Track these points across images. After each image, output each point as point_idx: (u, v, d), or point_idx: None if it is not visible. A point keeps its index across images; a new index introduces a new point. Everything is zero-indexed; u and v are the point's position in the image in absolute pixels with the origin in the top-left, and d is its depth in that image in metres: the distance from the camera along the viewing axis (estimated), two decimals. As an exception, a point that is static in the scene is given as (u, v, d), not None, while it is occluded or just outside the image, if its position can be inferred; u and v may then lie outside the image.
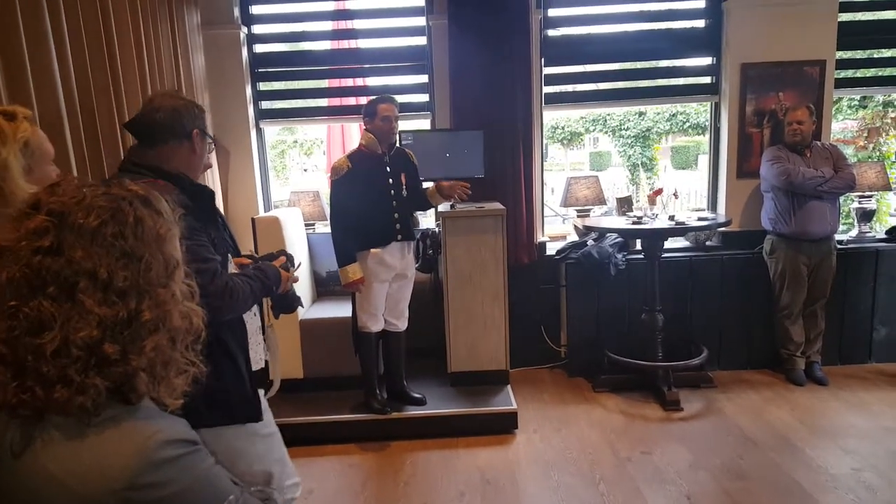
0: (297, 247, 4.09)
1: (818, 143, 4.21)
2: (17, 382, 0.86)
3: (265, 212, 4.56)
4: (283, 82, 4.83)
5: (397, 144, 3.68)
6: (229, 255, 1.99)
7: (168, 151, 1.91)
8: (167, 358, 0.96)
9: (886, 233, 4.63)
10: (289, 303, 2.27)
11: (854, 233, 4.62)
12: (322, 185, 5.87)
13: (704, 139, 6.52)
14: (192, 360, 1.01)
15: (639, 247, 4.41)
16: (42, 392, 0.86)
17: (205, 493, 0.93)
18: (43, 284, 0.87)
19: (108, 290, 0.89)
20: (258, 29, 4.61)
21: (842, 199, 4.30)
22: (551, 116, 12.96)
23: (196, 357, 1.01)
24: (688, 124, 14.64)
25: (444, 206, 4.02)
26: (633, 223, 4.04)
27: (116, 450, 0.86)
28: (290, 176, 14.80)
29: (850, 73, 4.91)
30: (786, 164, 4.04)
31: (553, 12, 4.52)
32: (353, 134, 6.33)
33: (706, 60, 4.67)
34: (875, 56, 4.82)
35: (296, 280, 2.21)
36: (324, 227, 4.70)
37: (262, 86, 4.69)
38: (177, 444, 0.91)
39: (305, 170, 16.51)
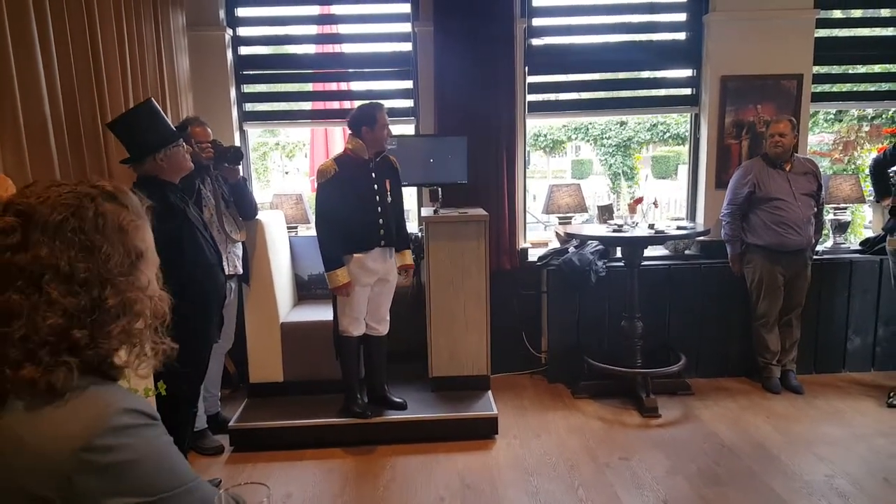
0: (280, 249, 4.07)
1: (798, 156, 4.28)
2: None
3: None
4: (268, 85, 4.83)
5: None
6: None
7: None
8: (137, 340, 1.02)
9: (861, 244, 4.72)
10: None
11: (829, 244, 4.71)
12: (304, 189, 5.86)
13: (684, 149, 6.60)
14: (161, 341, 1.07)
15: (619, 254, 4.45)
16: (10, 372, 0.90)
17: (159, 468, 0.96)
18: (12, 279, 0.92)
19: (71, 281, 0.94)
20: (243, 31, 4.59)
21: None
22: (534, 124, 13.04)
23: (163, 337, 1.07)
24: (668, 134, 14.77)
25: (427, 210, 4.04)
26: (614, 231, 4.08)
27: (78, 413, 0.91)
28: (271, 179, 14.70)
29: (826, 88, 5.01)
30: (733, 198, 4.24)
31: (537, 22, 4.57)
32: (336, 138, 6.35)
33: (687, 72, 4.74)
34: (850, 72, 4.93)
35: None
36: (306, 230, 4.68)
37: (247, 88, 4.67)
38: (137, 413, 0.95)
39: (287, 172, 16.39)
